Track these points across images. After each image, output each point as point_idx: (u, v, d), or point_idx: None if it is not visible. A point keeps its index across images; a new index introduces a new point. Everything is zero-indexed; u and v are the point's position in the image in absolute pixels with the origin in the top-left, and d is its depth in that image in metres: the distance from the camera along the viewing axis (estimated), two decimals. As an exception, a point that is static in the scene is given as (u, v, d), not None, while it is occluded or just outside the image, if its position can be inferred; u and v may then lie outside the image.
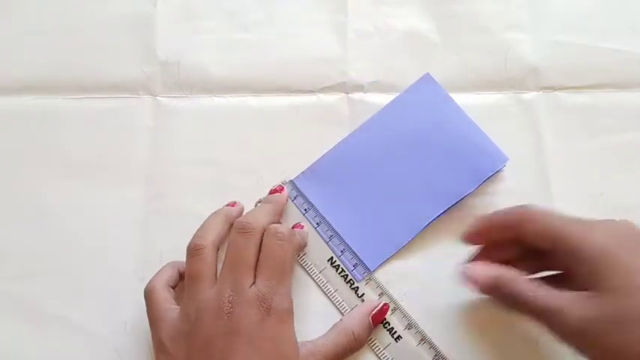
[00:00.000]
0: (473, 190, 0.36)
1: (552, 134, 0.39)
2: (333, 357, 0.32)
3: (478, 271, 0.32)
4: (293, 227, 0.36)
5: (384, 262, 0.36)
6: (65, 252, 0.37)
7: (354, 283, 0.36)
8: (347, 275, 0.36)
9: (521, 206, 0.32)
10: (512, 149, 0.38)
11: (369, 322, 0.34)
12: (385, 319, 0.35)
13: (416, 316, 0.35)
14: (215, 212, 0.35)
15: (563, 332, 0.28)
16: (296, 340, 0.31)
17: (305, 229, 0.37)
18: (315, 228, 0.37)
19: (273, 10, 0.42)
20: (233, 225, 0.33)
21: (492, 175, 0.37)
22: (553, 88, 0.41)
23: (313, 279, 0.36)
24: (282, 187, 0.37)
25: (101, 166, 0.39)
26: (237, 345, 0.29)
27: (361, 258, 0.36)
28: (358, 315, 0.34)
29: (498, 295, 0.31)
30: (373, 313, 0.34)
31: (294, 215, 0.37)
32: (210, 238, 0.33)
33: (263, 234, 0.32)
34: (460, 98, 0.40)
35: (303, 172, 0.38)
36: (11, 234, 0.37)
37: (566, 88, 0.41)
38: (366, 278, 0.36)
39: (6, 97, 0.40)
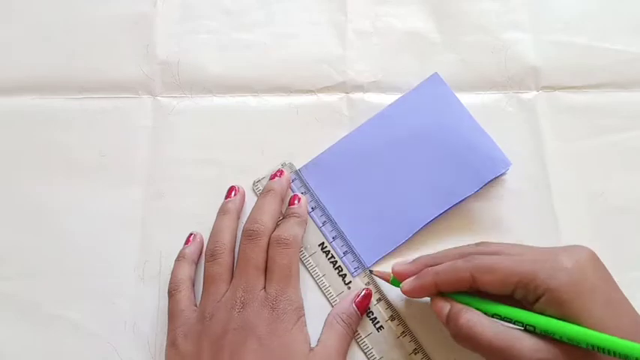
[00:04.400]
0: (474, 192, 0.36)
1: (552, 134, 0.39)
2: (339, 352, 0.32)
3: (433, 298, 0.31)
4: (291, 200, 0.36)
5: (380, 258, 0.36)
6: (65, 252, 0.37)
7: (342, 270, 0.36)
8: (336, 261, 0.36)
9: (467, 259, 0.30)
10: (512, 149, 0.38)
11: (355, 309, 0.34)
12: (369, 307, 0.35)
13: (403, 311, 0.35)
14: (224, 212, 0.36)
15: None
16: (307, 341, 0.32)
17: (303, 199, 0.37)
18: (310, 212, 0.37)
19: (273, 10, 0.42)
20: (242, 230, 0.35)
21: (494, 179, 0.37)
22: (553, 88, 0.41)
23: (302, 262, 0.36)
24: (282, 171, 0.37)
25: (101, 166, 0.39)
26: (247, 341, 0.31)
27: (358, 253, 0.36)
28: (344, 303, 0.34)
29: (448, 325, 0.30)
30: (357, 300, 0.34)
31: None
32: (226, 242, 0.35)
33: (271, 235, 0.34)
34: (460, 98, 0.40)
35: (305, 164, 0.38)
36: (11, 234, 0.37)
37: (566, 87, 0.41)
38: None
39: (6, 97, 0.40)
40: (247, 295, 0.32)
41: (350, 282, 0.36)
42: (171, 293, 0.34)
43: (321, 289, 0.36)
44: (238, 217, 0.37)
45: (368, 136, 0.39)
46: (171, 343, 0.33)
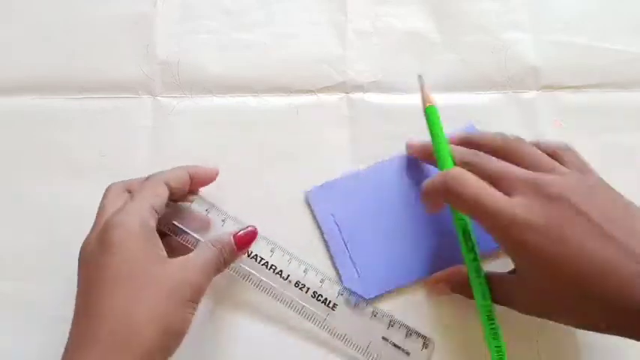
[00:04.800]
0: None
1: (552, 134, 0.39)
2: (203, 270, 0.31)
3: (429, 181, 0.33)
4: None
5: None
6: (65, 252, 0.37)
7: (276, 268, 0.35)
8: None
9: (444, 172, 0.31)
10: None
11: (231, 240, 0.32)
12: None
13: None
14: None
15: (528, 313, 0.30)
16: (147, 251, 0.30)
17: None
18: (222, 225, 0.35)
19: (273, 10, 0.42)
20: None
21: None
22: (553, 88, 0.41)
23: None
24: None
25: (101, 166, 0.39)
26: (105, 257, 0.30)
27: (361, 284, 0.35)
28: (223, 234, 0.33)
29: (448, 197, 0.31)
30: (238, 233, 0.33)
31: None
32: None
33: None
34: (460, 98, 0.40)
35: (320, 186, 0.38)
36: (11, 234, 0.37)
37: (566, 87, 0.41)
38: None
39: (6, 97, 0.40)
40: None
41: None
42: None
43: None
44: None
45: (391, 171, 0.38)
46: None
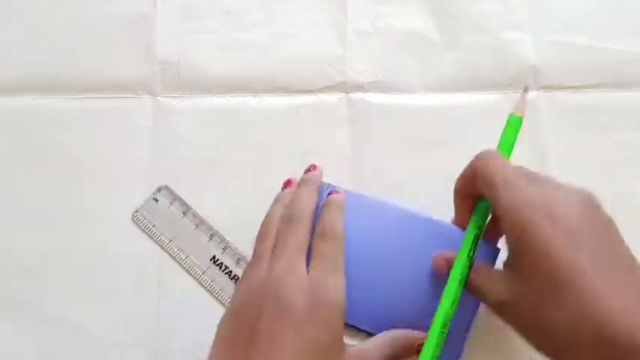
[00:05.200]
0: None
1: (552, 133, 0.39)
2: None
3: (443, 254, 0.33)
4: (329, 194, 0.35)
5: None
6: (65, 252, 0.37)
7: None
8: (231, 272, 0.36)
9: (478, 154, 0.31)
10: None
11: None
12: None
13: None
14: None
15: (493, 309, 0.29)
16: (342, 337, 0.29)
17: (341, 194, 0.35)
18: (194, 229, 0.37)
19: (273, 10, 0.42)
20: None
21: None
22: (553, 88, 0.41)
23: (198, 280, 0.36)
24: (316, 165, 0.36)
25: (101, 166, 0.39)
26: (284, 328, 0.28)
27: None
28: (409, 334, 0.32)
29: (477, 178, 0.30)
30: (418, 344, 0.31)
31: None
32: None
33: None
34: (460, 98, 0.40)
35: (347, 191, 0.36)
36: (11, 234, 0.37)
37: (566, 87, 0.41)
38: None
39: (6, 97, 0.40)
40: (288, 275, 0.29)
41: None
42: (260, 237, 0.33)
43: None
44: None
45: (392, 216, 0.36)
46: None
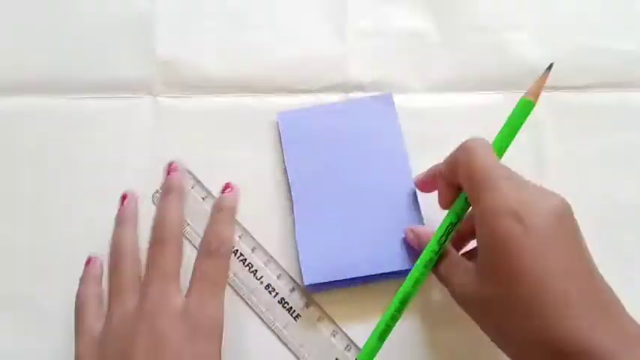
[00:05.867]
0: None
1: (552, 133, 0.39)
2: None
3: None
4: (223, 189, 0.35)
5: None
6: (65, 252, 0.37)
7: (252, 267, 0.36)
8: (245, 259, 0.36)
9: (465, 141, 0.30)
10: (512, 149, 0.38)
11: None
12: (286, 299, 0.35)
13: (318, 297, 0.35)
14: (120, 222, 0.35)
15: (457, 301, 0.30)
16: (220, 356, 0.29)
17: (235, 190, 0.35)
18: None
19: (274, 10, 0.42)
20: (150, 237, 0.32)
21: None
22: (553, 88, 0.41)
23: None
24: (175, 165, 0.36)
25: (101, 166, 0.39)
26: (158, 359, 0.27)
27: (302, 266, 0.35)
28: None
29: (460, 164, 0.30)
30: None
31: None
32: (127, 251, 0.32)
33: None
34: (460, 98, 0.40)
35: (288, 114, 0.39)
36: (11, 234, 0.37)
37: (567, 87, 0.41)
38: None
39: (6, 97, 0.40)
40: (161, 307, 0.29)
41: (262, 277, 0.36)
42: (77, 312, 0.32)
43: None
44: (136, 226, 0.35)
45: (333, 120, 0.38)
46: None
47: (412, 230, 0.34)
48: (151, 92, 0.41)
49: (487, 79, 0.41)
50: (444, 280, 0.31)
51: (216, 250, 0.31)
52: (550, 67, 0.31)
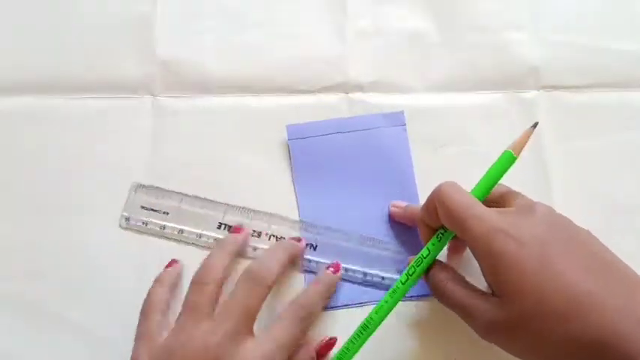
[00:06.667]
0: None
1: (552, 134, 0.39)
2: (285, 345, 0.31)
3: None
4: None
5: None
6: (65, 252, 0.37)
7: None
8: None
9: (437, 187, 0.31)
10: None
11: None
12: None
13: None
14: (220, 245, 0.35)
15: (476, 331, 0.29)
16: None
17: (339, 273, 0.35)
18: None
19: (273, 10, 0.42)
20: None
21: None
22: (553, 88, 0.41)
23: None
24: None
25: (101, 166, 0.39)
26: None
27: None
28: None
29: (439, 208, 0.30)
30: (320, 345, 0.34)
31: None
32: (213, 275, 0.33)
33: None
34: (460, 98, 0.40)
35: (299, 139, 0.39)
36: (11, 234, 0.37)
37: (567, 87, 0.41)
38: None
39: (6, 97, 0.40)
40: (229, 340, 0.30)
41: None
42: (144, 314, 0.33)
43: None
44: (236, 255, 0.35)
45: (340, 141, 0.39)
46: None
47: (395, 205, 0.36)
48: (151, 92, 0.41)
49: (487, 79, 0.41)
50: (467, 315, 0.30)
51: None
52: (535, 125, 0.32)
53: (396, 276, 0.35)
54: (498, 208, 0.30)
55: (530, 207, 0.29)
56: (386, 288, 0.35)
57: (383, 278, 0.36)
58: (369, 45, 0.42)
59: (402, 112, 0.39)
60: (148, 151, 0.39)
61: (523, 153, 0.38)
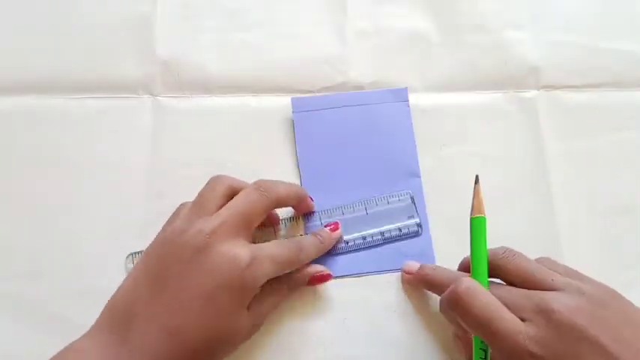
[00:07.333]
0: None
1: (552, 133, 0.39)
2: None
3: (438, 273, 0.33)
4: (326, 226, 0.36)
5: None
6: (65, 252, 0.37)
7: None
8: None
9: (457, 281, 0.29)
10: (512, 148, 0.38)
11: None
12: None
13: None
14: (296, 191, 0.35)
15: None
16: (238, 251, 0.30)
17: (338, 231, 0.36)
18: None
19: (273, 10, 0.42)
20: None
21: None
22: (553, 87, 0.41)
23: None
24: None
25: (101, 166, 0.39)
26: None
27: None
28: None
29: (457, 310, 0.29)
30: (315, 275, 0.35)
31: None
32: (269, 190, 0.33)
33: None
34: (460, 98, 0.40)
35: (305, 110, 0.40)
36: (11, 234, 0.37)
37: (567, 87, 0.41)
38: None
39: (6, 97, 0.40)
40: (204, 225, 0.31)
41: None
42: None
43: None
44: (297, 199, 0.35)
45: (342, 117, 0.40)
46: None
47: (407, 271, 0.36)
48: (150, 92, 0.41)
49: (487, 79, 0.41)
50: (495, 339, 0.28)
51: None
52: (477, 180, 0.31)
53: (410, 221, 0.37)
54: (518, 301, 0.28)
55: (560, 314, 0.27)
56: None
57: (400, 229, 0.37)
58: (369, 45, 0.42)
59: (405, 89, 0.40)
60: (148, 151, 0.39)
61: (523, 153, 0.39)
